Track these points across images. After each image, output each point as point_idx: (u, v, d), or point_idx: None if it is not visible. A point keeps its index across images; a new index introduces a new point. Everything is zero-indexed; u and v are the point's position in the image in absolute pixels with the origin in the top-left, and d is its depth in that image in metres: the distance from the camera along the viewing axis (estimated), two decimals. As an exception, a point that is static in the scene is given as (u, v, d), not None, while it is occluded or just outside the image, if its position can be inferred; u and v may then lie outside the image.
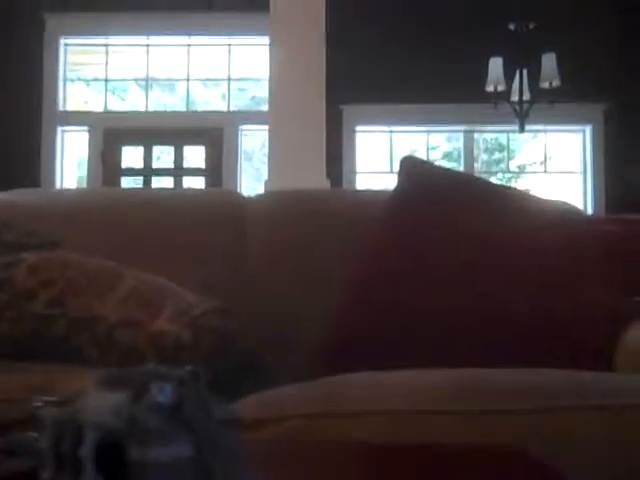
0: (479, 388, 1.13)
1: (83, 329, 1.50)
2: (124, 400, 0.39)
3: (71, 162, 7.03)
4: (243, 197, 2.07)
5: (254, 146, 7.23)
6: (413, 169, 1.82)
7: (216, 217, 1.92)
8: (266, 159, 5.39)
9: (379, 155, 7.02)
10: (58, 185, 6.64)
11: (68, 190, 3.63)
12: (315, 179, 4.56)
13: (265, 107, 6.16)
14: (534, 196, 1.90)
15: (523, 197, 1.86)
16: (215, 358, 1.49)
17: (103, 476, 0.39)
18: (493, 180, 6.77)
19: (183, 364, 1.48)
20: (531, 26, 5.78)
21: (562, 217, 1.78)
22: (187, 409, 0.39)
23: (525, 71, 5.76)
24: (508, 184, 7.05)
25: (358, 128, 6.80)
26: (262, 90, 6.55)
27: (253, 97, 7.21)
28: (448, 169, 2.38)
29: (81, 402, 0.40)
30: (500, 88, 5.77)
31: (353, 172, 6.78)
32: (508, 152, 7.41)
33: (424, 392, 1.12)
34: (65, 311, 1.50)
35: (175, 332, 1.46)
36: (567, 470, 0.80)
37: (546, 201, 1.86)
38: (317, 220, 1.89)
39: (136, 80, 7.24)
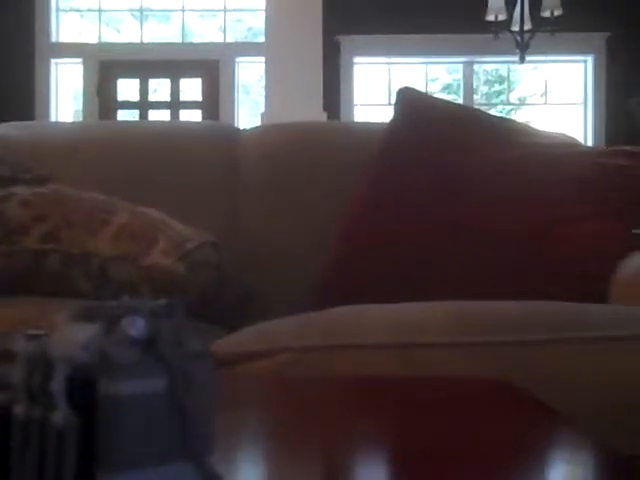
0: (465, 319, 1.14)
1: (77, 264, 1.50)
2: (95, 333, 0.39)
3: (66, 95, 6.96)
4: (237, 130, 2.05)
5: (252, 79, 7.15)
6: (410, 101, 1.79)
7: (210, 150, 1.91)
8: (264, 92, 5.34)
9: (377, 87, 6.94)
10: (53, 119, 6.58)
11: (62, 124, 3.59)
12: (312, 112, 4.52)
13: (262, 39, 6.07)
14: (533, 128, 1.88)
15: (521, 130, 1.84)
16: (209, 291, 1.49)
17: (76, 411, 0.39)
18: (493, 112, 6.71)
19: (177, 297, 1.48)
20: (533, -47, 5.66)
21: (561, 150, 1.77)
22: (160, 343, 0.39)
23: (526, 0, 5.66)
24: (508, 116, 6.99)
25: (356, 60, 6.71)
26: (259, 21, 6.44)
27: (250, 28, 7.10)
28: (445, 101, 2.34)
29: (52, 335, 0.40)
30: (501, 17, 5.67)
31: (351, 104, 6.71)
32: (508, 83, 7.33)
33: (415, 324, 1.13)
34: (59, 246, 1.50)
35: (169, 265, 1.46)
36: (553, 403, 0.81)
37: (545, 133, 1.84)
38: (312, 153, 1.87)
39: (131, 11, 7.11)
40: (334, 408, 0.85)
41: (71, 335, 0.39)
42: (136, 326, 0.39)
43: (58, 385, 0.38)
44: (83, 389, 0.38)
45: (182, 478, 0.42)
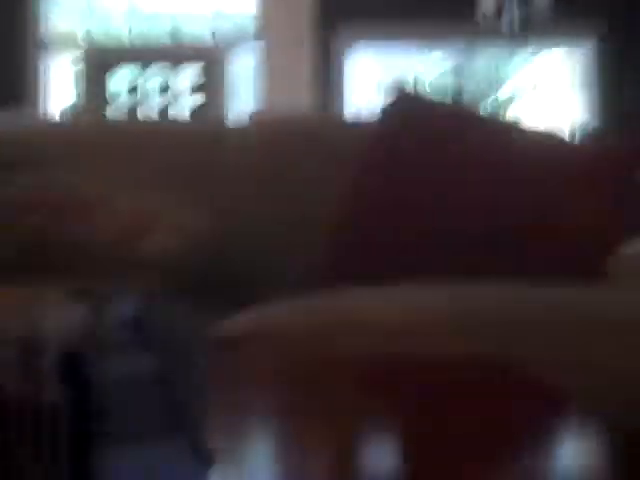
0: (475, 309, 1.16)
1: (74, 251, 1.51)
2: (86, 314, 0.40)
3: (57, 87, 6.94)
4: (227, 123, 2.07)
5: (244, 70, 7.14)
6: (399, 99, 1.81)
7: (199, 144, 1.93)
8: (255, 84, 5.34)
9: (371, 76, 6.94)
10: (44, 111, 6.57)
11: (54, 116, 3.60)
12: (304, 103, 4.53)
13: (254, 27, 6.06)
14: (521, 127, 1.91)
15: (510, 128, 1.87)
16: (206, 275, 1.51)
17: (68, 389, 0.40)
18: (484, 105, 6.70)
19: (172, 276, 1.50)
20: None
21: (549, 148, 1.79)
22: (150, 324, 0.40)
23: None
24: (500, 108, 6.98)
25: (349, 49, 6.70)
26: (252, 8, 6.43)
27: (243, 16, 7.08)
28: (434, 99, 2.37)
29: (42, 317, 0.41)
30: (492, 8, 5.67)
31: (344, 94, 6.71)
32: (499, 75, 7.33)
33: (416, 307, 1.15)
34: (56, 234, 1.51)
35: (165, 250, 1.48)
36: (567, 390, 0.82)
37: (533, 132, 1.86)
38: (302, 146, 1.89)
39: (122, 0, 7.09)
40: (341, 391, 0.85)
41: (62, 316, 0.39)
42: (126, 308, 0.40)
43: (49, 363, 0.39)
44: (74, 368, 0.39)
45: (174, 456, 0.43)
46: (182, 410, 0.42)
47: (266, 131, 1.94)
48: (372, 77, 6.91)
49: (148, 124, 2.14)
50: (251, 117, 2.56)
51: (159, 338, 0.41)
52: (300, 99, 4.52)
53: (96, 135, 1.94)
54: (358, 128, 1.86)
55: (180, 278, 1.47)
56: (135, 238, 1.49)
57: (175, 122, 2.12)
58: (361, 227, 1.62)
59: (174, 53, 6.73)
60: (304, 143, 1.89)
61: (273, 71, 4.67)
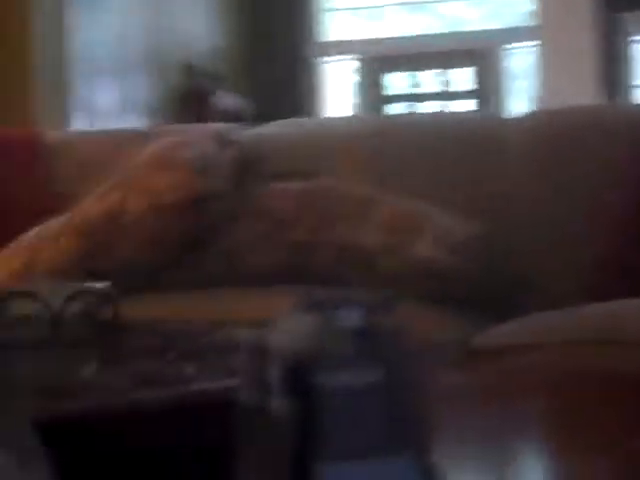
0: None
1: (344, 256, 1.52)
2: (312, 325, 0.40)
3: (338, 92, 7.20)
4: (504, 118, 1.98)
5: (525, 65, 6.95)
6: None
7: (477, 139, 1.86)
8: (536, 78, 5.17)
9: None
10: (325, 116, 6.84)
11: (328, 119, 3.71)
12: (587, 95, 4.29)
13: (533, 22, 5.87)
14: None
15: None
16: (476, 282, 1.46)
17: (293, 400, 0.40)
18: None
19: (444, 289, 1.45)
20: None
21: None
22: (376, 336, 0.40)
23: None
24: None
25: (637, 38, 6.28)
26: (530, 4, 6.24)
27: (521, 13, 6.89)
28: None
29: (272, 326, 0.42)
30: None
31: (630, 86, 6.29)
32: None
33: None
34: (326, 239, 1.52)
35: (435, 257, 1.44)
36: None
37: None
38: (585, 138, 1.75)
39: (399, 5, 7.20)
40: (604, 408, 0.77)
41: (290, 326, 0.40)
42: (353, 319, 0.40)
43: (276, 374, 0.39)
44: (300, 379, 0.39)
45: (398, 473, 0.41)
46: (407, 425, 0.39)
47: (548, 124, 1.83)
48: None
49: (422, 119, 2.11)
50: (532, 111, 2.46)
51: (385, 351, 0.38)
52: (583, 92, 4.29)
53: (370, 136, 1.94)
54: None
55: (445, 286, 1.42)
56: (404, 243, 1.45)
57: (451, 115, 2.10)
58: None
59: (448, 56, 6.72)
60: (590, 136, 1.75)
61: (553, 67, 4.48)
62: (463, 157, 1.83)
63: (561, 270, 1.62)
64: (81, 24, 4.67)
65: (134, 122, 5.11)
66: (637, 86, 6.27)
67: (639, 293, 1.17)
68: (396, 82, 6.98)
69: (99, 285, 0.67)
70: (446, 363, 0.93)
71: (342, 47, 7.01)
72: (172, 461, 0.58)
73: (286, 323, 0.41)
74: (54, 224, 1.56)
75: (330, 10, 7.10)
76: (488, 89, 6.68)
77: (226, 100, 5.89)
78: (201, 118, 4.87)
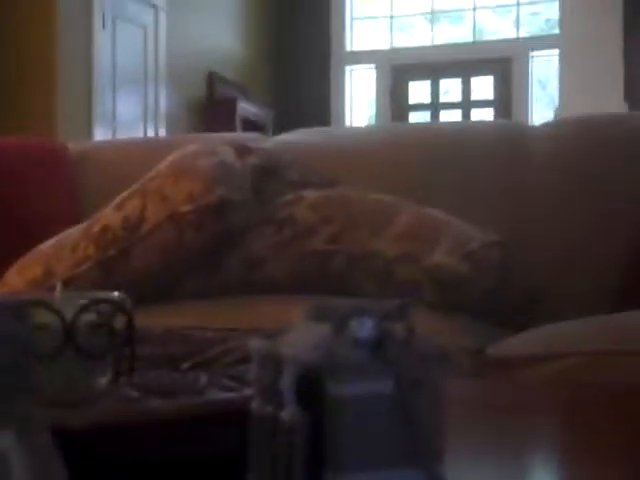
0: None
1: (361, 265, 1.51)
2: (324, 334, 0.40)
3: (361, 101, 7.19)
4: (527, 126, 1.96)
5: (548, 73, 6.90)
6: None
7: (498, 149, 1.84)
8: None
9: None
10: (348, 124, 6.84)
11: (351, 128, 3.71)
12: (611, 103, 4.26)
13: (557, 30, 5.85)
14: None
15: None
16: (493, 292, 1.44)
17: (304, 410, 0.40)
18: None
19: (460, 298, 1.43)
20: None
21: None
22: (389, 346, 0.39)
23: None
24: None
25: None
26: (556, 11, 6.20)
27: (547, 20, 6.85)
28: None
29: (284, 335, 0.42)
30: None
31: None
32: None
33: None
34: (344, 247, 1.52)
35: (452, 265, 1.42)
36: None
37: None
38: (611, 148, 1.73)
39: (423, 14, 7.19)
40: (619, 420, 0.76)
41: (302, 335, 0.40)
42: (365, 327, 0.40)
43: (287, 384, 0.39)
44: (311, 389, 0.39)
45: None
46: (419, 436, 0.40)
47: (572, 133, 1.81)
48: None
49: (445, 127, 2.09)
50: (555, 119, 2.44)
51: (397, 361, 0.38)
52: (607, 100, 4.26)
53: (389, 144, 1.93)
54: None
55: (461, 295, 1.40)
56: (421, 252, 1.44)
57: (472, 123, 2.09)
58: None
59: (471, 65, 6.70)
60: (614, 146, 1.73)
61: (576, 72, 4.45)
62: (485, 166, 1.81)
63: (578, 281, 1.60)
64: (106, 37, 4.70)
65: (157, 132, 5.13)
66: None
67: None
68: (419, 90, 6.97)
69: (113, 295, 0.67)
70: (460, 373, 0.92)
71: (365, 56, 7.01)
72: (187, 471, 0.57)
73: (299, 332, 0.41)
74: (73, 232, 1.56)
75: (354, 19, 7.10)
76: (510, 97, 6.64)
77: (248, 109, 5.90)
78: (223, 127, 4.89)
